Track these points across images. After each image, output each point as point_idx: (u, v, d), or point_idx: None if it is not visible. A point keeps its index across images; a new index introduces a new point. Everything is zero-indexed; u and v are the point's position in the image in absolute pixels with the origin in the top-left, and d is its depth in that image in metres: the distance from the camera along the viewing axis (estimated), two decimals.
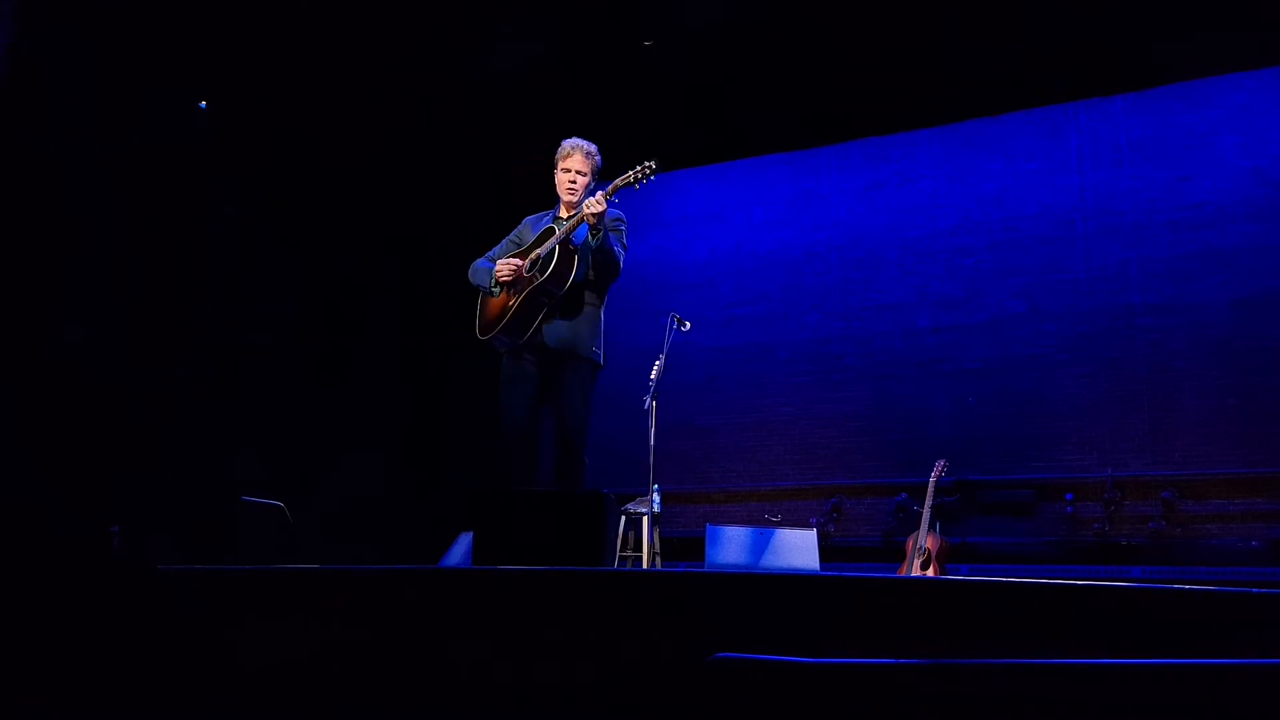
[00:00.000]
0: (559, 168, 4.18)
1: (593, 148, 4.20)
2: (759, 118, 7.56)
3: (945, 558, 5.88)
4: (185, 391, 6.54)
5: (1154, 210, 6.76)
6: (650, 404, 5.05)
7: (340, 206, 7.72)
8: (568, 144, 4.18)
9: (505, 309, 4.06)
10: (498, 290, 4.12)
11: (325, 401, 7.54)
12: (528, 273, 4.01)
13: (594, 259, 3.99)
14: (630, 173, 3.93)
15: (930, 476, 6.04)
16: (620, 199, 4.00)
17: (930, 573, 5.71)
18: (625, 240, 4.15)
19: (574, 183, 4.14)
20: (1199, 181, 6.67)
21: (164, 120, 6.47)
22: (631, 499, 5.55)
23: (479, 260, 4.30)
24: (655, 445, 4.98)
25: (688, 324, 5.39)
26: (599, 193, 3.90)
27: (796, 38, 6.81)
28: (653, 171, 3.91)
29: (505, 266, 4.06)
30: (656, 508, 5.33)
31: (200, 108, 6.84)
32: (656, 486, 5.20)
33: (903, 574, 5.77)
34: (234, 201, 7.03)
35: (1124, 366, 6.67)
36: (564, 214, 4.23)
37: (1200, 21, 6.18)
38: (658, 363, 5.15)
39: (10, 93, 5.50)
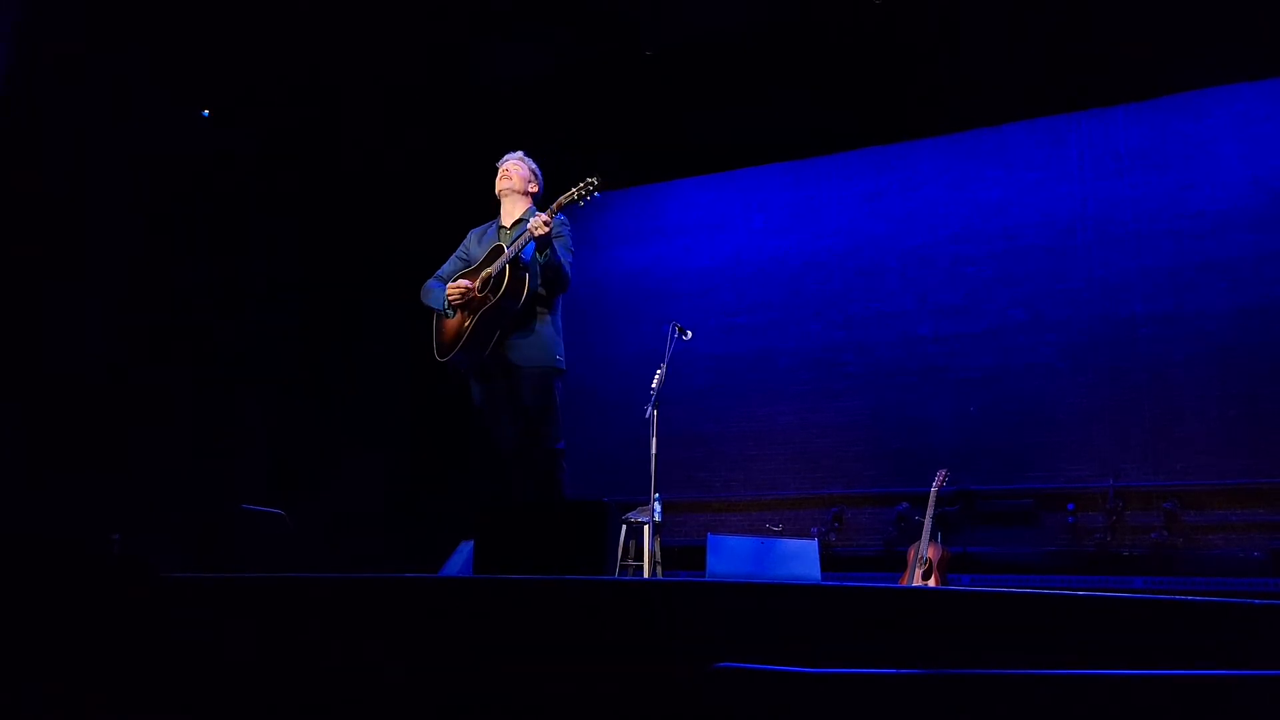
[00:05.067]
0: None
1: (529, 160, 4.41)
2: (760, 126, 7.57)
3: (946, 567, 5.87)
4: (186, 398, 6.53)
5: (1155, 219, 6.76)
6: (651, 413, 5.06)
7: (342, 212, 7.72)
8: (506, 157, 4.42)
9: (461, 330, 4.10)
10: (451, 312, 4.16)
11: (326, 408, 7.53)
12: (480, 293, 4.05)
13: (543, 273, 4.05)
14: (573, 190, 3.97)
15: (931, 486, 6.04)
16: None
17: (932, 583, 5.70)
18: (570, 244, 4.22)
19: (508, 177, 4.31)
20: (1199, 190, 6.68)
21: (165, 126, 6.48)
22: (633, 508, 5.55)
23: (430, 281, 4.35)
24: (657, 454, 4.98)
25: (689, 332, 5.39)
26: (541, 213, 3.93)
27: (797, 47, 6.82)
28: (595, 188, 3.95)
29: (455, 290, 4.11)
30: (658, 517, 5.32)
31: (203, 116, 6.86)
32: (657, 495, 5.20)
33: (904, 584, 5.76)
34: (236, 206, 7.03)
35: (1125, 376, 6.65)
36: (505, 222, 4.28)
37: (1200, 32, 6.20)
38: (659, 371, 5.16)
39: (10, 94, 5.51)
